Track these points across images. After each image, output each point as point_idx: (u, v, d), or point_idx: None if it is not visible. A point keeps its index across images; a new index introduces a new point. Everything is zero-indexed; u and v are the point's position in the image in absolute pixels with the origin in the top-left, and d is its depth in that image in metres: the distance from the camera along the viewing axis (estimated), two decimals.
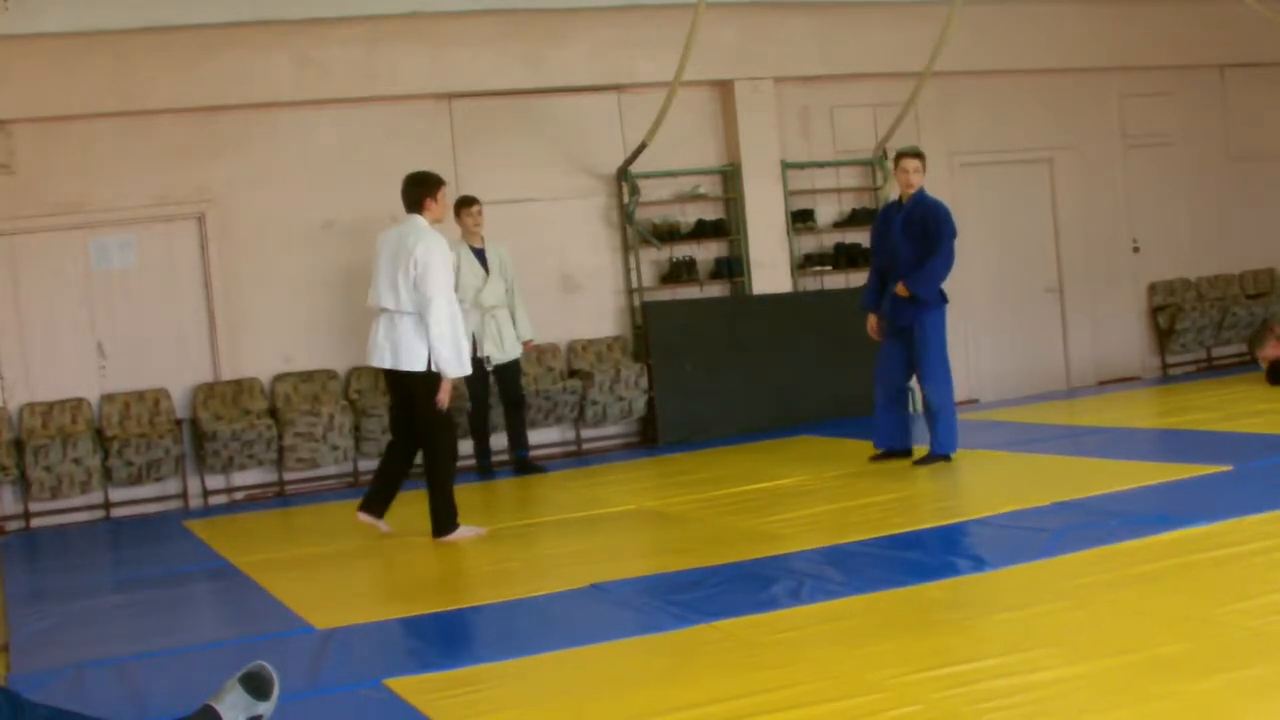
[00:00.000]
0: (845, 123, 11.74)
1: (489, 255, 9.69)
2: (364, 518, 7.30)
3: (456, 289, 9.16)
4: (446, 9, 10.38)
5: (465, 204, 9.63)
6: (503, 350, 9.64)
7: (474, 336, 9.34)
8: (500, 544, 6.95)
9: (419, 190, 7.16)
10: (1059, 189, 12.61)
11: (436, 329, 6.89)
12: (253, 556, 7.06)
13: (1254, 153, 13.23)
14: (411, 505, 7.82)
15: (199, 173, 10.00)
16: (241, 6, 9.77)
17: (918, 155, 8.28)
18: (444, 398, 7.05)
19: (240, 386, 10.01)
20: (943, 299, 8.24)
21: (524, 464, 9.86)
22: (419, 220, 7.10)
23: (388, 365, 7.07)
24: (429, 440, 7.12)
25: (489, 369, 9.60)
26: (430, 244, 6.94)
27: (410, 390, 7.09)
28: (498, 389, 9.80)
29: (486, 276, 9.60)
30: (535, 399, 10.33)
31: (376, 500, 7.34)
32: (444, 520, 7.11)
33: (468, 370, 7.19)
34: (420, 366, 6.98)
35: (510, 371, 9.74)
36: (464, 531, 7.13)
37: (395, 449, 7.39)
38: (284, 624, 5.40)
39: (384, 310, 7.06)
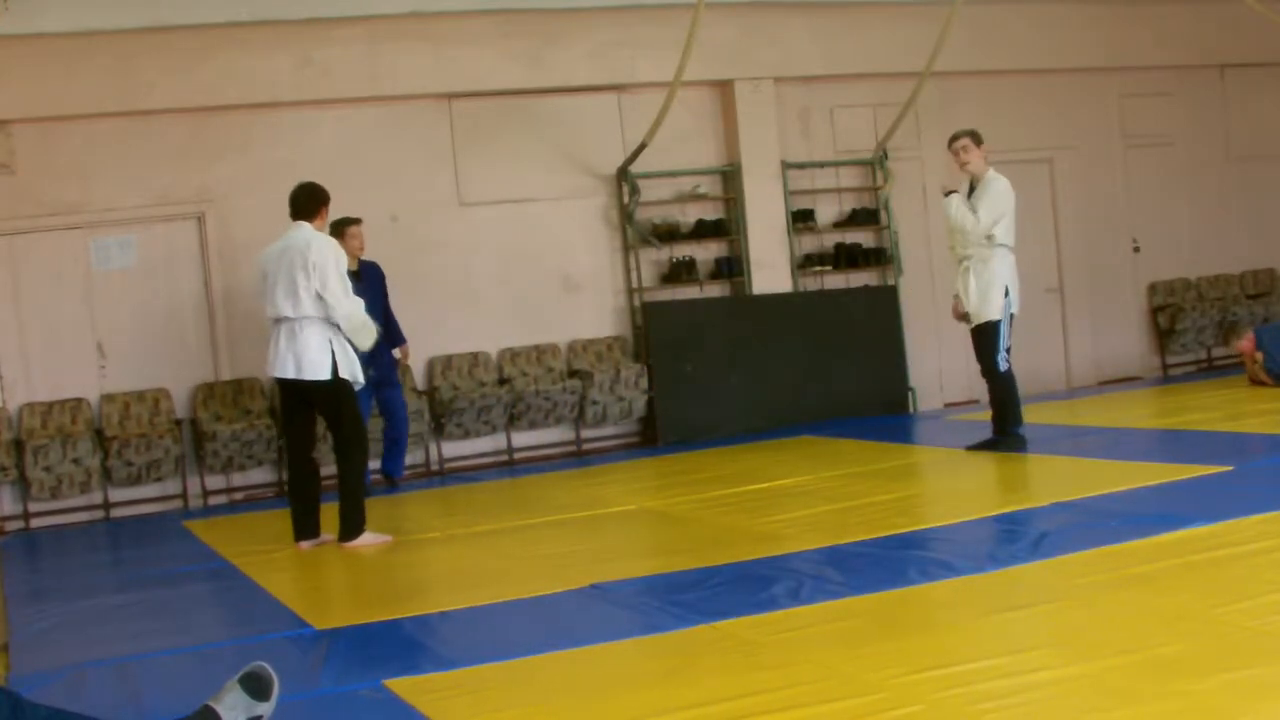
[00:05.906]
0: (845, 123, 11.74)
1: (977, 191, 8.22)
2: (306, 546, 7.19)
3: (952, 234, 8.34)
4: (446, 9, 10.38)
5: (952, 139, 8.35)
6: (970, 306, 8.26)
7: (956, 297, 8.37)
8: (500, 544, 6.95)
9: (315, 201, 7.18)
10: (1059, 189, 12.61)
11: (349, 325, 6.95)
12: (253, 556, 7.05)
13: (1254, 153, 13.23)
14: (408, 505, 7.84)
15: (199, 173, 10.00)
16: (241, 6, 9.76)
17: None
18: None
19: (240, 386, 10.00)
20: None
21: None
22: (307, 226, 7.11)
23: (291, 376, 7.01)
24: (344, 445, 7.10)
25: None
26: (323, 246, 6.98)
27: (313, 400, 7.10)
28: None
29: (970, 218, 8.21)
30: (535, 399, 10.33)
31: (306, 525, 7.24)
32: (353, 525, 7.08)
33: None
34: (325, 376, 6.96)
35: (983, 334, 8.23)
36: (369, 538, 7.10)
37: (300, 468, 7.26)
38: (284, 624, 5.39)
39: (284, 319, 7.01)
